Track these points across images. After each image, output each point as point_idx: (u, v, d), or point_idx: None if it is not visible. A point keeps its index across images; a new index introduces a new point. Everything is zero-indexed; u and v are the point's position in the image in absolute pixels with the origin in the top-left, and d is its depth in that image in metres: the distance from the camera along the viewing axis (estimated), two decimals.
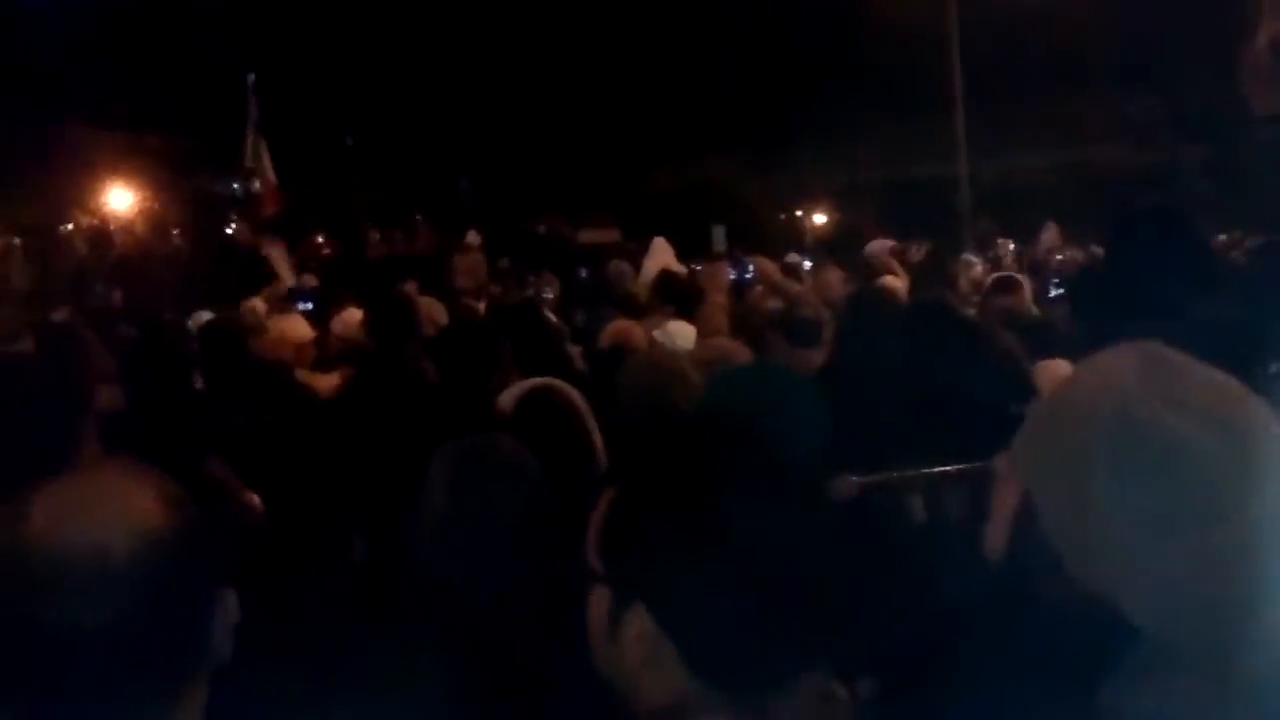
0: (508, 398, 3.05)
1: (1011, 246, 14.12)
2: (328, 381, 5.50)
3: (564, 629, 1.90)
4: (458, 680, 1.76)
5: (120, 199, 20.03)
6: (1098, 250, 11.29)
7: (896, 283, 6.75)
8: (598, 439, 3.04)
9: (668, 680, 1.17)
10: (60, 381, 2.67)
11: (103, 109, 22.74)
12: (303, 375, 5.36)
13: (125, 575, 1.27)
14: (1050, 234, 14.28)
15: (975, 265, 9.82)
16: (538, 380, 3.24)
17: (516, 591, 1.86)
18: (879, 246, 9.74)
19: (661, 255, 10.85)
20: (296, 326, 6.11)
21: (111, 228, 17.48)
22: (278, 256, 12.60)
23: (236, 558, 1.44)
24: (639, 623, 1.17)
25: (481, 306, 8.53)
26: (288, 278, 11.61)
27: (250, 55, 18.91)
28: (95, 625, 1.26)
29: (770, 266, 8.34)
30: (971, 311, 5.58)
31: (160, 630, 1.29)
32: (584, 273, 13.13)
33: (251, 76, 15.63)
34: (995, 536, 1.45)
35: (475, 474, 1.96)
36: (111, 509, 1.31)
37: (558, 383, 3.21)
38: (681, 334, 6.07)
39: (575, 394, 3.14)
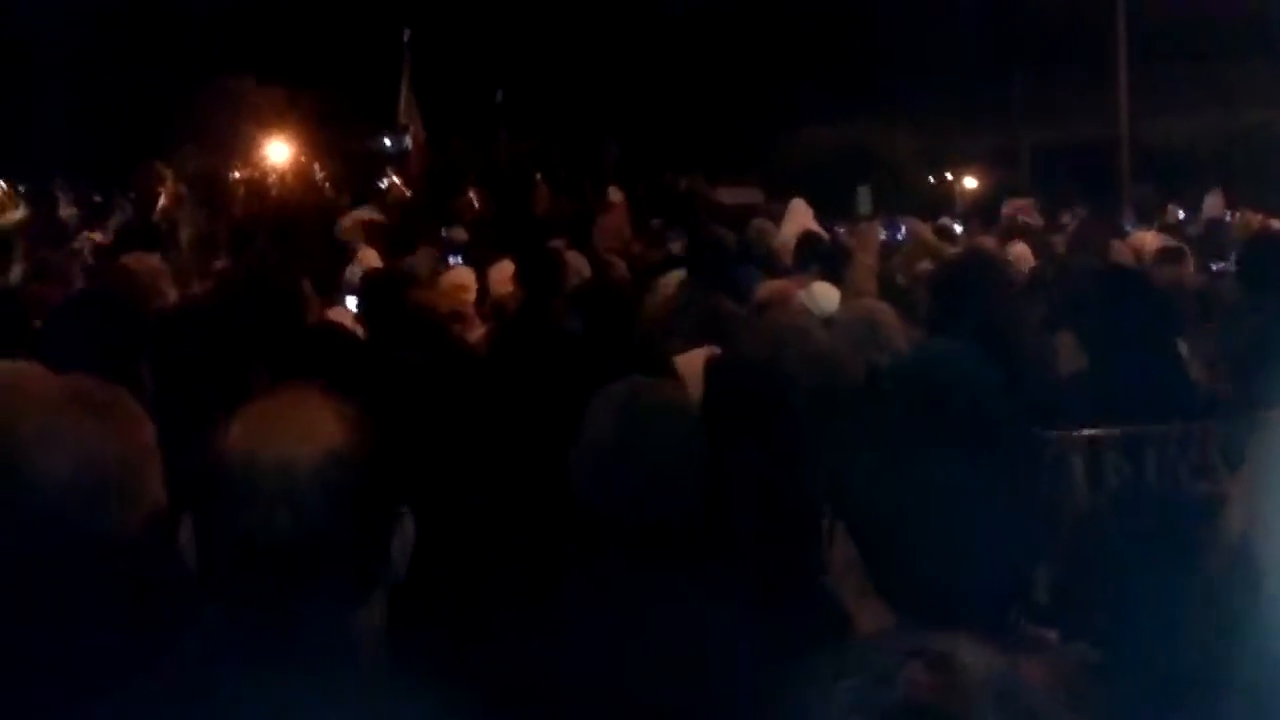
0: (694, 359, 3.11)
1: (1181, 215, 13.53)
2: (477, 333, 5.63)
3: (724, 570, 1.94)
4: (611, 622, 1.81)
5: (278, 152, 20.68)
6: (1268, 220, 10.76)
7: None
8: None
9: (875, 611, 1.24)
10: (238, 324, 2.84)
11: (264, 65, 23.51)
12: (458, 329, 5.48)
13: (309, 489, 1.38)
14: (1215, 200, 13.62)
15: (1139, 233, 9.46)
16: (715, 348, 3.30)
17: (678, 529, 1.90)
18: (1012, 208, 9.47)
19: (800, 216, 10.72)
20: (464, 276, 6.26)
21: (269, 179, 18.07)
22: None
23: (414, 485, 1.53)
24: (844, 547, 1.24)
25: (623, 264, 8.57)
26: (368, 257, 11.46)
27: (404, 12, 19.28)
28: (282, 534, 1.38)
29: (922, 227, 8.19)
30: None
31: (342, 542, 1.39)
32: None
33: (408, 33, 15.96)
34: (1220, 561, 1.44)
35: (641, 409, 2.01)
36: (299, 428, 1.44)
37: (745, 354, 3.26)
38: (826, 295, 6.02)
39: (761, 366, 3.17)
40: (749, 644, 1.85)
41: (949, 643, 1.20)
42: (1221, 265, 6.12)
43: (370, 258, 7.58)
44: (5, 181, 13.89)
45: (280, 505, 1.36)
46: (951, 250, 6.93)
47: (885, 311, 4.36)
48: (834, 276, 6.55)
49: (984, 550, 1.24)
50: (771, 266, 7.52)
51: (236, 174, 17.23)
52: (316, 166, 18.92)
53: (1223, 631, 1.36)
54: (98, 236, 11.54)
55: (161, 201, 13.75)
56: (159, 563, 1.79)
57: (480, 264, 7.43)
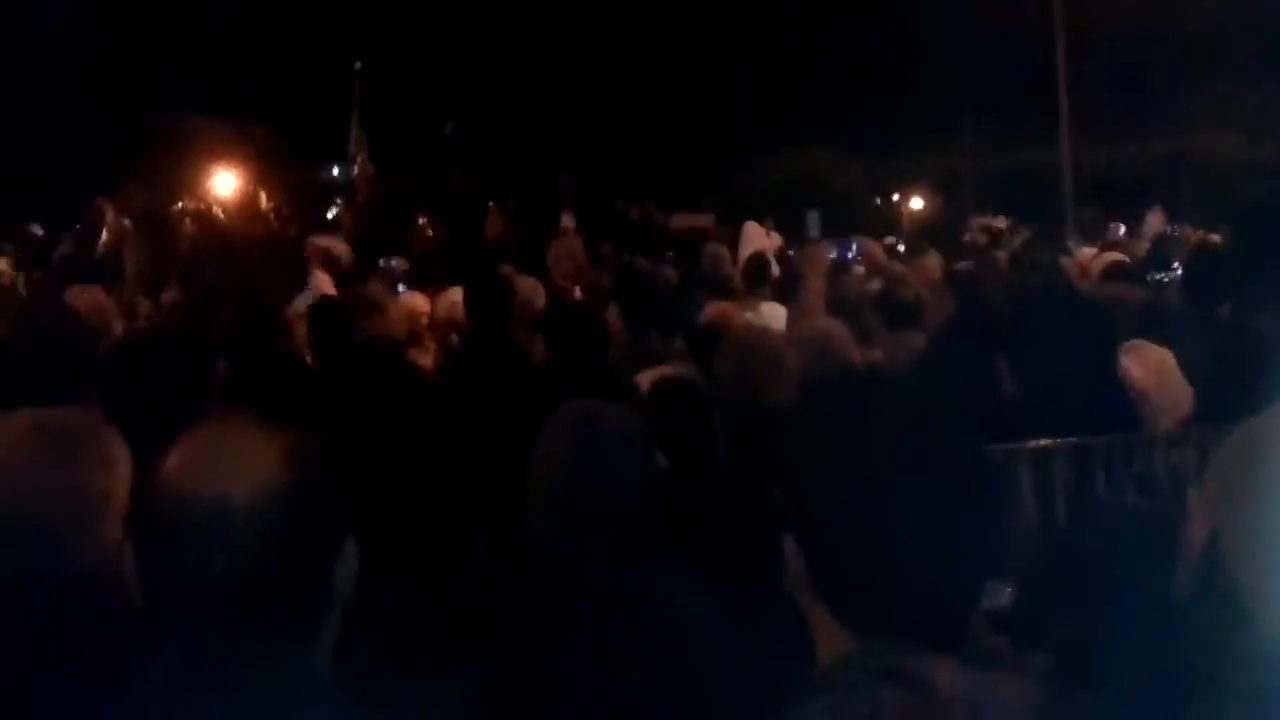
0: (643, 380, 3.11)
1: (1122, 230, 13.79)
2: (425, 360, 5.58)
3: (680, 597, 1.93)
4: (571, 651, 1.79)
5: (225, 184, 20.54)
6: (1207, 235, 10.96)
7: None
8: (718, 423, 3.09)
9: (830, 629, 1.22)
10: (188, 353, 2.80)
11: (212, 98, 23.38)
12: (413, 354, 5.44)
13: (244, 526, 1.34)
14: (1156, 217, 13.91)
15: (1084, 250, 9.62)
16: (668, 369, 3.30)
17: (629, 559, 1.88)
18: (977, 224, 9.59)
19: (755, 239, 10.82)
20: (416, 303, 6.22)
21: (216, 212, 17.92)
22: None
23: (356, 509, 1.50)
24: (796, 565, 1.23)
25: (577, 290, 8.57)
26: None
27: (353, 45, 19.27)
28: (218, 572, 1.34)
29: (874, 247, 8.27)
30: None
31: (281, 575, 1.35)
32: (672, 256, 13.11)
33: (358, 65, 15.96)
34: (1184, 576, 1.43)
35: (593, 435, 1.99)
36: (234, 463, 1.39)
37: (688, 372, 3.27)
38: (774, 316, 6.06)
39: (702, 382, 3.19)
40: (716, 666, 1.83)
41: (920, 662, 1.20)
42: (1162, 275, 6.24)
43: (325, 284, 7.51)
44: None
45: (215, 543, 1.32)
46: (899, 269, 7.00)
47: (838, 329, 4.37)
48: (783, 298, 6.60)
49: (944, 563, 1.23)
50: (728, 290, 7.55)
51: (181, 206, 17.09)
52: (263, 198, 18.81)
53: (1194, 648, 1.36)
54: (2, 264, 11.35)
55: (104, 237, 13.64)
56: (114, 601, 1.77)
57: (431, 290, 7.39)
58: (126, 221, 14.13)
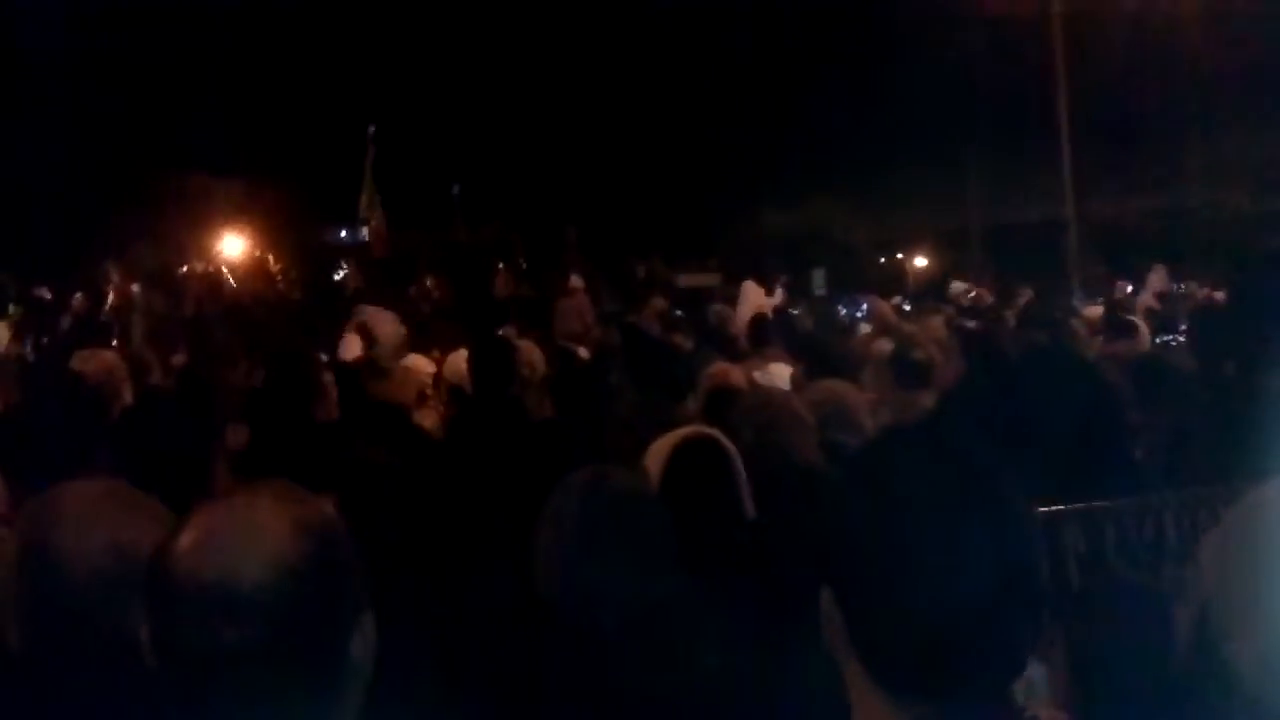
0: (662, 444, 3.09)
1: (1130, 289, 13.80)
2: (431, 421, 5.60)
3: (690, 658, 1.92)
4: (581, 710, 1.78)
5: (233, 246, 20.72)
6: (1211, 292, 10.99)
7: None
8: (745, 486, 3.06)
9: (865, 696, 1.20)
10: (195, 418, 2.82)
11: (221, 158, 23.61)
12: (417, 416, 5.46)
13: (257, 602, 1.34)
14: (1158, 276, 13.94)
15: (1091, 308, 9.63)
16: (689, 429, 3.28)
17: (642, 620, 1.88)
18: (957, 289, 9.61)
19: (753, 297, 10.87)
20: (420, 365, 6.24)
21: (224, 273, 18.07)
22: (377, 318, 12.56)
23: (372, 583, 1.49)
24: (833, 624, 1.21)
25: (583, 351, 8.59)
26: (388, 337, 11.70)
27: (361, 108, 19.48)
28: (232, 647, 1.33)
29: (885, 306, 8.29)
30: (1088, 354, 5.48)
31: (295, 652, 1.35)
32: (680, 314, 13.16)
33: (372, 128, 16.15)
34: (1179, 653, 1.41)
35: (601, 502, 1.99)
36: (246, 538, 1.38)
37: (710, 430, 3.25)
38: (780, 376, 6.06)
39: (725, 440, 3.17)
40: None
41: None
42: (1170, 338, 6.24)
43: (353, 347, 7.48)
44: None
45: (223, 620, 1.32)
46: (910, 329, 7.02)
47: (850, 391, 4.38)
48: (789, 356, 6.61)
49: (980, 625, 1.21)
50: (732, 349, 7.57)
51: (187, 268, 17.25)
52: (271, 259, 18.95)
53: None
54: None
55: (110, 300, 13.81)
56: None
57: (438, 349, 7.42)
58: (134, 286, 14.31)
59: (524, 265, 17.06)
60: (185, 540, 1.38)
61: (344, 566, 1.41)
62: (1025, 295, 13.18)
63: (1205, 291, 11.27)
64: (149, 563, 1.40)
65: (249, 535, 1.38)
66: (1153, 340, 6.21)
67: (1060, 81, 21.49)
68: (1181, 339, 6.80)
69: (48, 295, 15.17)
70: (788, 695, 1.88)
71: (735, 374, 5.57)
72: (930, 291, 18.74)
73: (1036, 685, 2.00)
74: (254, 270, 18.89)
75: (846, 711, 1.27)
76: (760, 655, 2.04)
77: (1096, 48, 21.66)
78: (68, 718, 1.70)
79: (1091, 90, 22.07)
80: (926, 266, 28.61)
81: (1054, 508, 2.71)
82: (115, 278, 14.42)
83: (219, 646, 1.32)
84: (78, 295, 14.52)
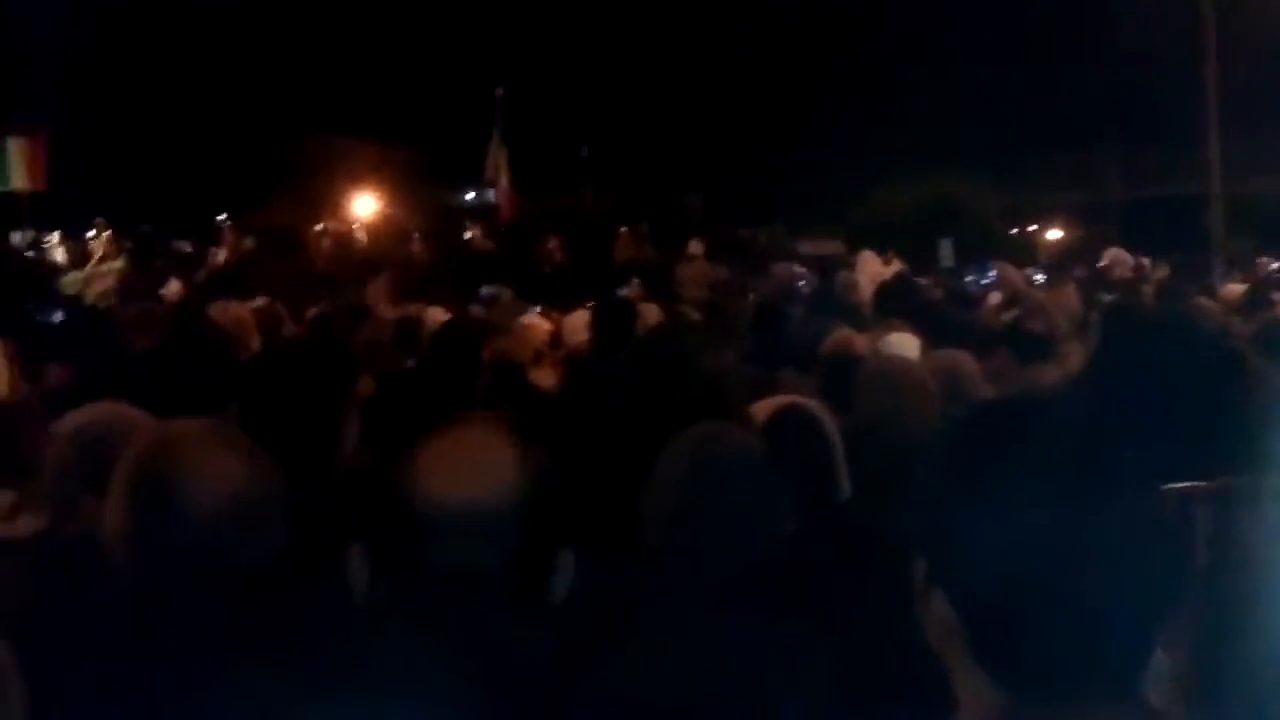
0: (758, 411, 3.04)
1: (1275, 265, 13.18)
2: (549, 380, 5.64)
3: (794, 615, 1.90)
4: (681, 663, 1.78)
5: (364, 205, 21.20)
6: None
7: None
8: (841, 459, 2.99)
9: (977, 686, 1.12)
10: (330, 367, 2.89)
11: (353, 121, 24.17)
12: (534, 375, 5.50)
13: (498, 525, 1.44)
14: None
15: (1231, 286, 9.22)
16: (785, 399, 3.22)
17: (746, 575, 1.87)
18: (1115, 255, 9.28)
19: (870, 267, 10.74)
20: (538, 324, 6.31)
21: (356, 231, 18.51)
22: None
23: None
24: (942, 614, 1.13)
25: (699, 315, 8.56)
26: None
27: (487, 69, 19.69)
28: (474, 565, 1.44)
29: (1014, 273, 8.03)
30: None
31: (520, 575, 1.44)
32: (803, 283, 13.03)
33: (500, 91, 16.31)
34: None
35: (715, 457, 1.98)
36: (487, 468, 1.51)
37: (805, 402, 3.18)
38: (904, 345, 5.93)
39: (824, 412, 3.10)
40: (835, 708, 1.78)
41: None
42: None
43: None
44: (110, 231, 14.45)
45: (469, 540, 1.43)
46: (1039, 298, 6.79)
47: (966, 360, 4.27)
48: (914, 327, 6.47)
49: (1107, 615, 1.10)
50: (857, 317, 7.46)
51: (322, 226, 17.70)
52: (409, 221, 19.35)
53: None
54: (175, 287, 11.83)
55: (224, 254, 14.31)
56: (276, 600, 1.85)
57: (559, 311, 7.48)
58: (248, 241, 14.81)
59: (646, 230, 17.07)
60: (431, 467, 1.49)
61: (553, 501, 1.49)
62: (1162, 271, 12.70)
63: None
64: (377, 487, 1.48)
65: (488, 465, 1.49)
66: None
67: (1210, 54, 20.49)
68: None
69: (188, 249, 15.75)
70: (885, 672, 1.85)
71: (859, 341, 5.49)
72: (1064, 264, 18.17)
73: (1159, 675, 1.91)
74: (387, 229, 19.31)
75: (951, 696, 1.19)
76: (854, 630, 2.01)
77: (1248, 17, 20.62)
78: (176, 647, 1.76)
79: (1243, 63, 21.04)
80: (1060, 239, 27.75)
81: (1184, 484, 2.60)
82: (229, 235, 14.95)
83: (464, 564, 1.39)
84: (215, 249, 15.06)
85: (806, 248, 18.35)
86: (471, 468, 1.48)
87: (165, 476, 1.81)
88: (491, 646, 1.40)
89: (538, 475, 1.48)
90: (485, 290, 10.47)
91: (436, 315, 6.84)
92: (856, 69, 27.58)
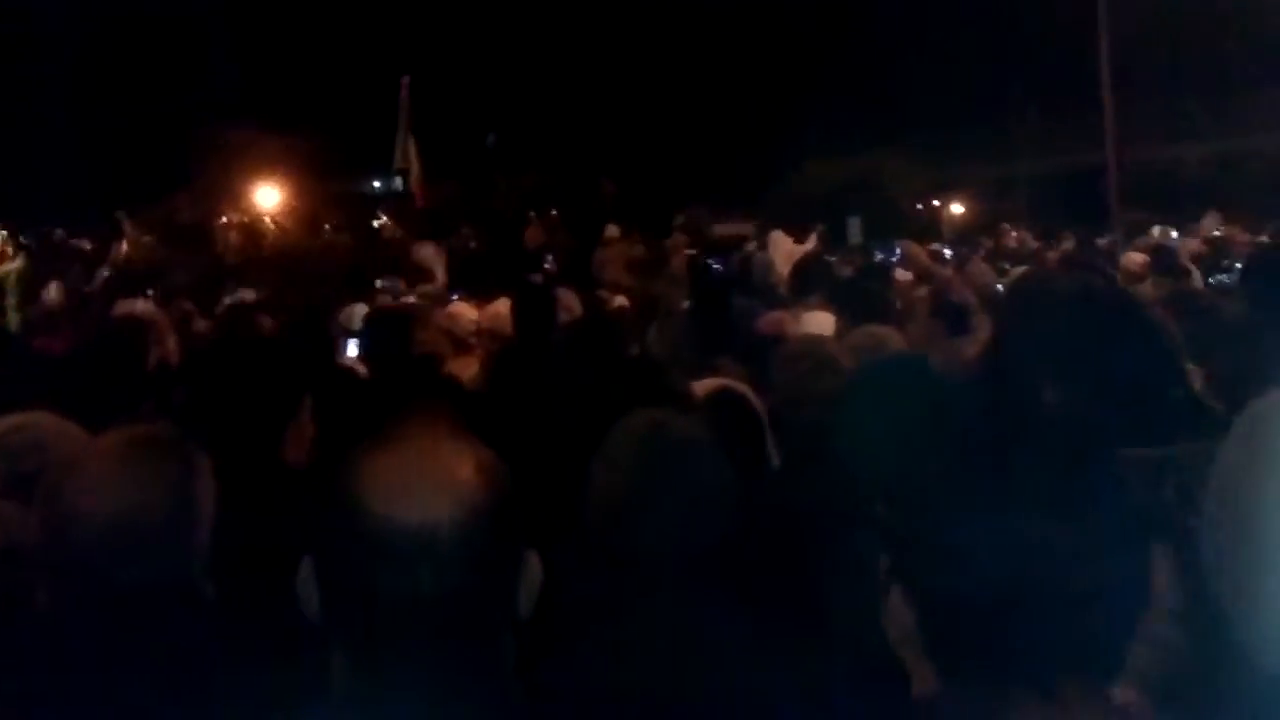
0: (699, 389, 3.09)
1: (1174, 234, 13.57)
2: (468, 370, 5.58)
3: (741, 604, 1.89)
4: (637, 654, 1.76)
5: (268, 197, 20.79)
6: (1256, 238, 10.80)
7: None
8: (771, 440, 3.06)
9: (921, 667, 1.11)
10: (281, 360, 2.86)
11: (254, 111, 23.68)
12: (451, 366, 5.44)
13: (453, 545, 1.30)
14: (1211, 219, 13.70)
15: (1131, 254, 9.47)
16: (715, 382, 3.28)
17: (699, 564, 1.85)
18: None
19: (783, 246, 10.86)
20: (464, 313, 6.23)
21: (264, 223, 18.17)
22: (431, 256, 12.93)
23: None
24: (900, 612, 1.13)
25: (619, 299, 8.56)
26: (441, 276, 11.89)
27: (390, 56, 19.41)
28: (428, 590, 1.30)
29: (918, 250, 8.16)
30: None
31: (477, 593, 1.33)
32: (715, 264, 13.10)
33: (407, 79, 16.10)
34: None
35: (660, 443, 1.95)
36: (438, 481, 1.34)
37: (736, 385, 3.25)
38: (820, 324, 5.98)
39: (752, 395, 3.17)
40: (793, 697, 1.77)
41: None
42: (1223, 277, 6.09)
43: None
44: (5, 232, 13.98)
45: (422, 563, 1.28)
46: (946, 273, 6.91)
47: (893, 337, 4.31)
48: (831, 305, 6.53)
49: (1076, 608, 1.08)
50: (771, 297, 7.51)
51: (226, 219, 17.34)
52: (318, 211, 19.03)
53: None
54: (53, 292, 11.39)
55: (124, 250, 13.93)
56: (201, 611, 1.84)
57: (475, 299, 7.41)
58: (145, 236, 14.45)
59: (556, 217, 17.02)
60: (378, 484, 1.33)
61: (513, 505, 1.39)
62: (1068, 240, 12.99)
63: (1254, 237, 11.08)
64: (325, 507, 1.35)
65: (441, 479, 1.33)
66: (1205, 283, 6.09)
67: (1102, 22, 20.96)
68: (1225, 279, 6.67)
69: (87, 246, 15.30)
70: (837, 655, 1.85)
71: (789, 323, 5.52)
72: (967, 238, 18.49)
73: (1127, 670, 1.91)
74: (297, 218, 19.03)
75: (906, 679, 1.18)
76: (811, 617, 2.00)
77: None
78: (95, 674, 1.71)
79: (1136, 33, 21.56)
80: (963, 214, 28.26)
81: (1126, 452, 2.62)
82: (128, 229, 14.56)
83: (415, 589, 1.28)
84: (117, 245, 14.65)
85: (718, 229, 18.45)
86: (425, 481, 1.32)
87: (83, 489, 1.76)
88: (453, 681, 1.32)
89: (495, 480, 1.37)
90: (382, 282, 10.26)
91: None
92: (767, 51, 27.73)
